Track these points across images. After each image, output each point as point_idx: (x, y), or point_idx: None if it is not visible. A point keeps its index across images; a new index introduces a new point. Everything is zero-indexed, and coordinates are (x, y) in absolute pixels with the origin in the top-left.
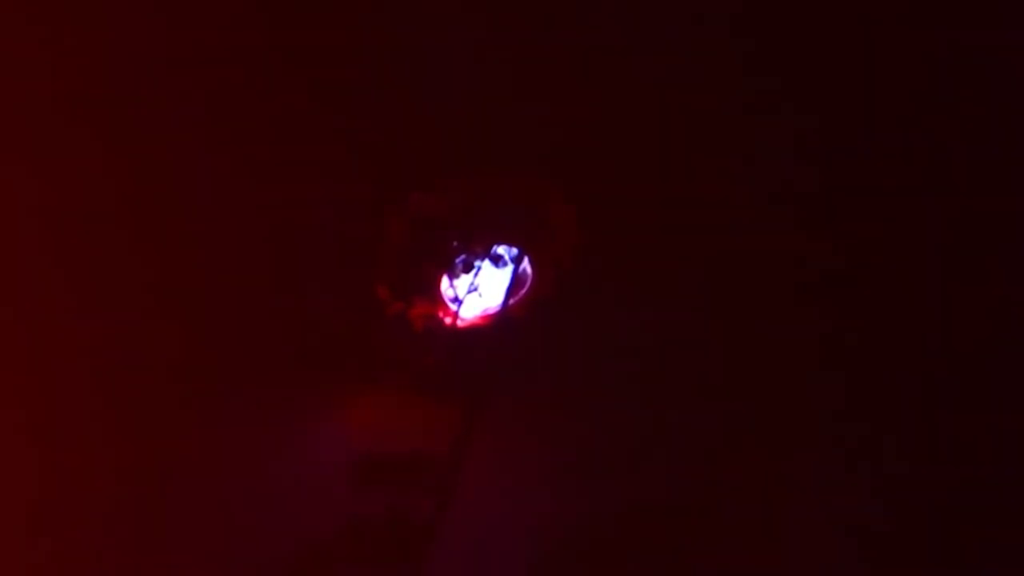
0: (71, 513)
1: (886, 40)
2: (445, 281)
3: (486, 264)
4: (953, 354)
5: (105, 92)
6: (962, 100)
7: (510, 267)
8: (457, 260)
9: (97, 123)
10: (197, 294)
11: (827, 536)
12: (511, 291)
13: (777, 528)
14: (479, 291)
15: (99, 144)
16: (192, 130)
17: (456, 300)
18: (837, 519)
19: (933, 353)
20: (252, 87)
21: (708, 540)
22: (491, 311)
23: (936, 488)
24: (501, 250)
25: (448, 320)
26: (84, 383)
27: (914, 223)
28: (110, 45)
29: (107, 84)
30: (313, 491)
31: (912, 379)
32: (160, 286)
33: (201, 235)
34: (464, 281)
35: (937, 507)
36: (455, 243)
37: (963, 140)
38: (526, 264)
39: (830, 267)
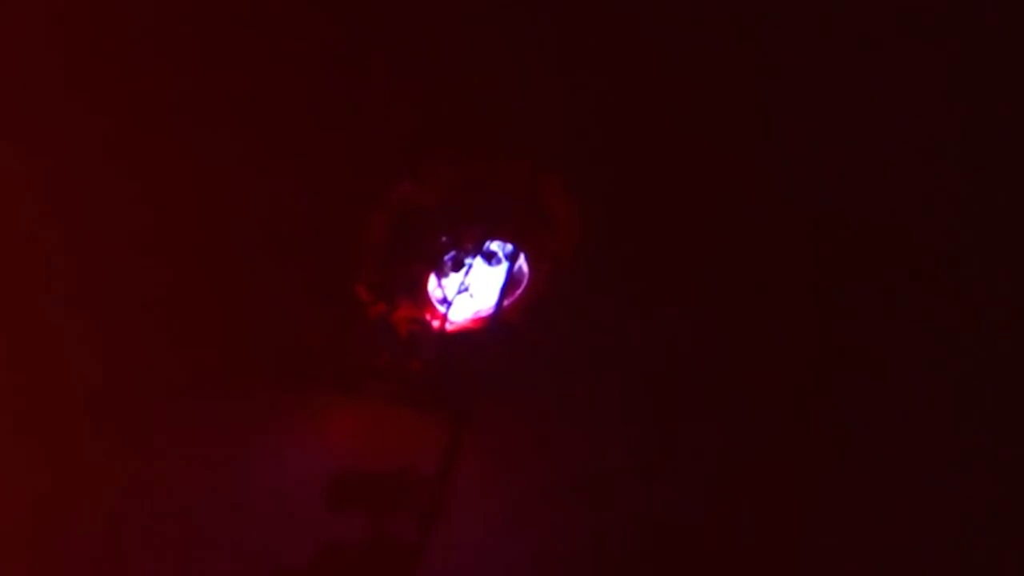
0: (32, 531)
1: (896, 38)
2: (432, 280)
3: (478, 262)
4: (982, 361)
5: (72, 85)
6: (974, 99)
7: (504, 265)
8: (446, 257)
9: (58, 117)
10: (159, 294)
11: (848, 559)
12: (505, 292)
13: (801, 551)
14: (470, 291)
15: (60, 140)
16: (154, 119)
17: (444, 301)
18: (859, 541)
19: (960, 359)
20: (215, 69)
21: (722, 566)
22: (483, 314)
23: (966, 506)
24: (494, 246)
25: (436, 323)
26: (45, 393)
27: (932, 224)
28: (85, 37)
29: (77, 76)
30: (286, 512)
31: (941, 387)
32: (123, 285)
33: (164, 231)
34: (453, 280)
35: (965, 525)
36: (443, 238)
37: (975, 139)
38: (522, 262)
39: (851, 267)
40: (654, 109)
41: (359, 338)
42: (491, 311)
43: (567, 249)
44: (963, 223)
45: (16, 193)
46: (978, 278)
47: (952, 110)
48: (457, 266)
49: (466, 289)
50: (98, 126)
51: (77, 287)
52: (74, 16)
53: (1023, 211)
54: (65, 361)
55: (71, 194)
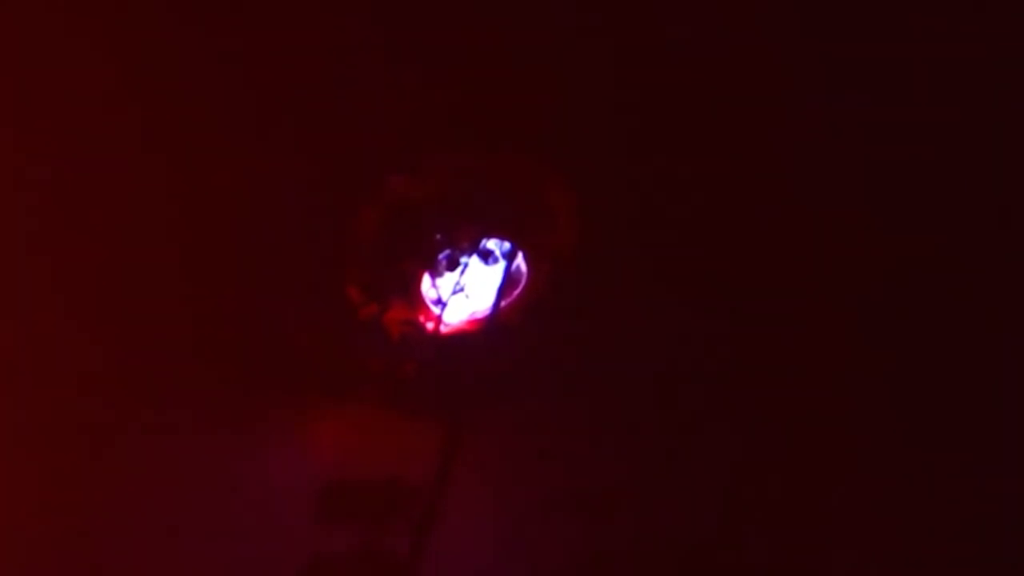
0: (20, 536)
1: (896, 38)
2: (426, 280)
3: (474, 260)
4: (991, 362)
5: (70, 83)
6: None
7: (502, 264)
8: (440, 256)
9: (58, 115)
10: (145, 295)
11: (865, 572)
12: (503, 292)
13: (816, 565)
14: (466, 292)
15: (59, 139)
16: (145, 115)
17: (439, 302)
18: (878, 553)
19: (971, 361)
20: (208, 64)
21: None
22: (479, 315)
23: (981, 511)
24: (491, 244)
25: (430, 325)
26: (31, 395)
27: (937, 224)
28: (83, 36)
29: (74, 75)
30: (273, 523)
31: (952, 388)
32: (112, 286)
33: (153, 229)
34: (448, 280)
35: (982, 533)
36: (438, 236)
37: (976, 138)
38: (520, 261)
39: (855, 267)
40: (655, 106)
41: (350, 341)
42: (488, 312)
43: (567, 247)
44: (967, 223)
45: (14, 192)
46: (985, 278)
47: (953, 109)
48: (452, 265)
49: (461, 289)
50: (93, 123)
51: (68, 287)
52: (70, 15)
53: None
54: (53, 362)
55: (65, 193)
